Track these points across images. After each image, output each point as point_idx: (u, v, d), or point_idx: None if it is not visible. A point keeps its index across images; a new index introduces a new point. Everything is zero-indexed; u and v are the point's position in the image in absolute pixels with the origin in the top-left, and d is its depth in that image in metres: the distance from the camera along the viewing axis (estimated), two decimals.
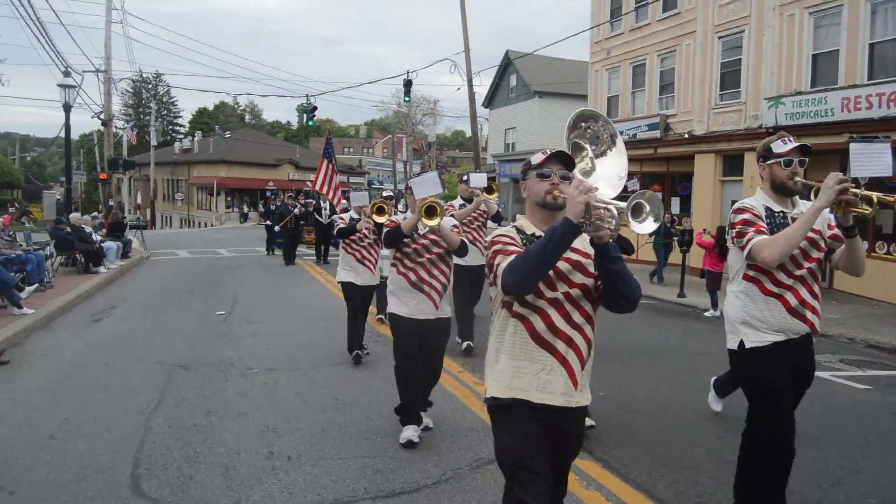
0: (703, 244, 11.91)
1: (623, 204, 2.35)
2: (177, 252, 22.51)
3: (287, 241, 19.03)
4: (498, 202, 8.39)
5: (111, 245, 16.87)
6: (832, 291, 13.97)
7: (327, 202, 19.07)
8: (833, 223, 3.56)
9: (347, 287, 7.73)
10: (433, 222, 4.95)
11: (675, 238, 14.33)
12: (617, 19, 22.02)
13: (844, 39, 14.18)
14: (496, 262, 2.63)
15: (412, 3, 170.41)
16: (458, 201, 8.25)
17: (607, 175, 2.90)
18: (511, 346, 2.72)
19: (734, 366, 3.89)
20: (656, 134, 19.65)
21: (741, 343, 3.65)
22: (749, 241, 3.48)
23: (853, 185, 3.28)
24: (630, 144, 15.65)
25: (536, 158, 2.76)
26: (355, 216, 7.73)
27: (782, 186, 3.59)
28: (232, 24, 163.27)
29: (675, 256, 14.96)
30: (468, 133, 30.36)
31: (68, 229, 15.09)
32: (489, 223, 8.30)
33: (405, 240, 5.13)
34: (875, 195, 3.34)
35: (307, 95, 37.93)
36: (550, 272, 2.58)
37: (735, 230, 3.59)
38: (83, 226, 15.82)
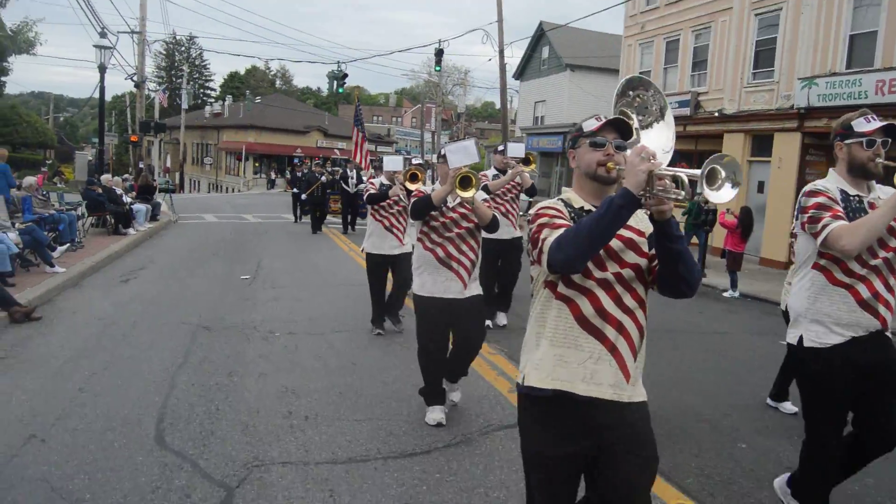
0: (725, 224, 11.82)
1: (696, 171, 2.02)
2: (204, 216, 22.84)
3: (313, 210, 18.91)
4: (533, 175, 8.13)
5: (140, 207, 17.18)
6: None
7: (354, 171, 19.11)
8: None
9: (372, 258, 7.59)
10: (468, 194, 4.58)
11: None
12: None
13: (884, 20, 13.84)
14: (542, 237, 2.33)
15: None
16: (491, 171, 8.00)
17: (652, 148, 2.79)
18: (553, 332, 2.43)
19: (793, 361, 3.70)
20: (686, 111, 19.37)
21: (801, 339, 3.37)
22: (825, 227, 3.12)
23: None
24: None
25: (590, 124, 2.45)
26: (386, 182, 7.47)
27: (862, 168, 3.26)
28: None
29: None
30: (498, 104, 30.02)
31: (99, 190, 15.39)
32: (522, 196, 8.01)
33: (433, 213, 4.83)
34: None
35: (338, 62, 38.12)
36: (601, 250, 2.33)
37: (807, 214, 3.22)
38: (114, 187, 16.10)
